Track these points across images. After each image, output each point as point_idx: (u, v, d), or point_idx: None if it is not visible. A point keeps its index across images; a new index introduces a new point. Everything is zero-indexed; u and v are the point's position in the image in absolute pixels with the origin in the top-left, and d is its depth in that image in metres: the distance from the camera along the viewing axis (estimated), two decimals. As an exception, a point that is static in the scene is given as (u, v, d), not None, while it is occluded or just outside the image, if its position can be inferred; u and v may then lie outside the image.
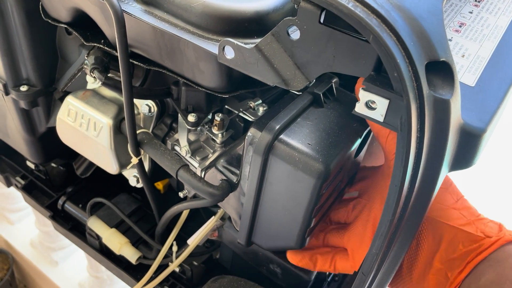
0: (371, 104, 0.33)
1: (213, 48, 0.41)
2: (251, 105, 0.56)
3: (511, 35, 0.52)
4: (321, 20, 0.33)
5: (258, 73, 0.39)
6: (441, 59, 0.32)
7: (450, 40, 0.49)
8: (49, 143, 0.74)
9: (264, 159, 0.47)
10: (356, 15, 0.30)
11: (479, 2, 0.56)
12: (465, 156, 0.38)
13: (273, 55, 0.37)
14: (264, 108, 0.55)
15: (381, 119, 0.33)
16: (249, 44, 0.41)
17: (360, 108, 0.34)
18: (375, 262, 0.41)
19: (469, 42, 0.49)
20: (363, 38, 0.32)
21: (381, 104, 0.33)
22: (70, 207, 0.78)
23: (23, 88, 0.64)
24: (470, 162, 0.39)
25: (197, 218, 0.77)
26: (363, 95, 0.33)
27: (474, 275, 0.45)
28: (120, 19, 0.43)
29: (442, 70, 0.33)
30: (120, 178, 0.69)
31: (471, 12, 0.54)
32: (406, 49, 0.30)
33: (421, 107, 0.32)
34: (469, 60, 0.46)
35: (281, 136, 0.45)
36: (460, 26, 0.51)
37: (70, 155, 0.77)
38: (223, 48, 0.39)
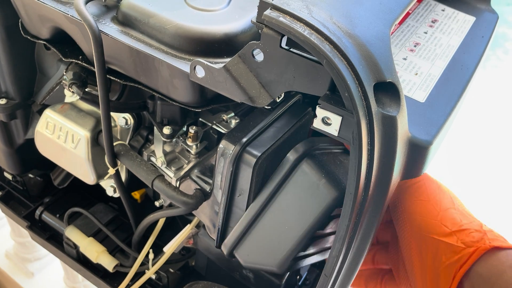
0: (327, 120, 0.37)
1: (185, 66, 0.44)
2: (224, 117, 0.59)
3: (462, 54, 0.57)
4: (282, 45, 0.37)
5: (226, 91, 0.42)
6: (388, 80, 0.36)
7: (405, 59, 0.53)
8: (26, 154, 0.75)
9: (233, 169, 0.50)
10: (311, 41, 0.34)
11: (433, 22, 0.61)
12: (414, 165, 0.42)
13: (240, 75, 0.40)
14: (236, 121, 0.58)
15: (335, 134, 0.37)
16: (219, 63, 0.44)
17: (317, 124, 0.38)
18: (335, 264, 0.44)
19: (422, 61, 0.53)
20: (318, 62, 0.36)
21: (335, 120, 0.36)
22: (47, 217, 0.79)
23: (2, 101, 0.65)
24: (420, 171, 0.44)
25: (173, 226, 0.79)
26: (319, 112, 0.37)
27: None
28: (98, 39, 0.46)
29: (389, 90, 0.37)
30: (97, 189, 0.71)
31: (425, 33, 0.59)
32: (356, 72, 0.34)
33: (370, 123, 0.35)
34: (421, 78, 0.50)
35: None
36: (415, 46, 0.56)
37: (48, 166, 0.78)
38: (194, 67, 0.42)
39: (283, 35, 0.36)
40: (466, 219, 0.47)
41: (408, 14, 0.60)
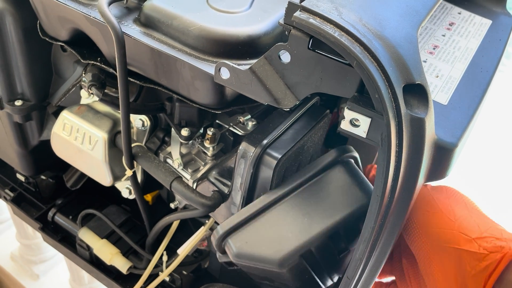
0: (355, 122, 0.37)
1: (209, 68, 0.44)
2: (240, 119, 0.59)
3: (480, 56, 0.57)
4: (310, 46, 0.37)
5: (252, 93, 0.42)
6: (417, 82, 0.36)
7: (425, 61, 0.53)
8: (40, 156, 0.75)
9: (254, 170, 0.50)
10: (342, 43, 0.34)
11: (451, 25, 0.61)
12: (439, 168, 0.42)
13: (266, 77, 0.40)
14: (253, 123, 0.58)
15: (364, 135, 0.37)
16: (242, 64, 0.44)
17: (345, 125, 0.38)
18: (358, 266, 0.44)
19: (442, 64, 0.53)
20: (348, 63, 0.36)
21: (364, 122, 0.36)
22: (60, 219, 0.79)
23: (18, 103, 0.65)
24: (444, 174, 0.43)
25: (185, 228, 0.79)
26: (348, 114, 0.37)
27: None
28: (121, 40, 0.46)
29: (417, 92, 0.37)
30: (109, 190, 0.71)
31: (443, 35, 0.59)
32: (386, 74, 0.34)
33: (399, 125, 0.35)
34: (442, 80, 0.50)
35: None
36: (434, 49, 0.56)
37: (61, 168, 0.78)
38: (219, 69, 0.42)
39: (311, 37, 0.36)
40: (484, 224, 0.46)
41: (425, 17, 0.61)
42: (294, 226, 0.48)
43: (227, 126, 0.59)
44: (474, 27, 0.61)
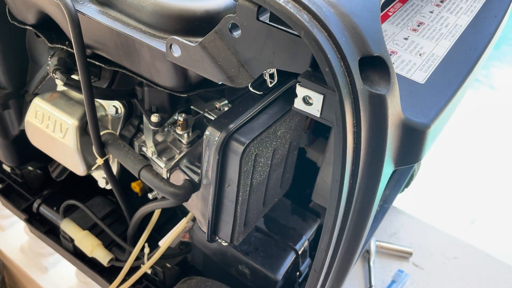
0: (308, 100, 0.34)
1: (163, 46, 0.42)
2: (216, 105, 0.57)
3: (470, 33, 0.52)
4: (259, 17, 0.34)
5: (204, 71, 0.39)
6: (375, 54, 0.32)
7: (406, 38, 0.49)
8: (23, 146, 0.74)
9: (220, 157, 0.47)
10: (286, 10, 0.30)
11: (441, 2, 0.57)
12: (410, 151, 0.38)
13: (217, 53, 0.37)
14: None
15: (317, 114, 0.34)
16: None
17: (298, 104, 0.34)
18: (325, 258, 0.41)
19: (425, 41, 0.49)
20: (298, 34, 0.32)
21: (317, 100, 0.33)
22: (45, 210, 0.78)
23: (-6, 91, 0.64)
24: (416, 158, 0.40)
25: (174, 220, 0.77)
26: (300, 91, 0.33)
27: None
28: (74, 18, 0.43)
29: (378, 66, 0.33)
30: (96, 181, 0.69)
31: (431, 12, 0.54)
32: (338, 45, 0.31)
33: (356, 102, 0.32)
34: (422, 58, 0.46)
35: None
36: (418, 26, 0.52)
37: (46, 158, 0.77)
38: (170, 46, 0.40)
39: (260, 7, 0.33)
40: None
41: (412, -8, 0.56)
42: None
43: (201, 112, 0.57)
44: (467, 3, 0.57)
